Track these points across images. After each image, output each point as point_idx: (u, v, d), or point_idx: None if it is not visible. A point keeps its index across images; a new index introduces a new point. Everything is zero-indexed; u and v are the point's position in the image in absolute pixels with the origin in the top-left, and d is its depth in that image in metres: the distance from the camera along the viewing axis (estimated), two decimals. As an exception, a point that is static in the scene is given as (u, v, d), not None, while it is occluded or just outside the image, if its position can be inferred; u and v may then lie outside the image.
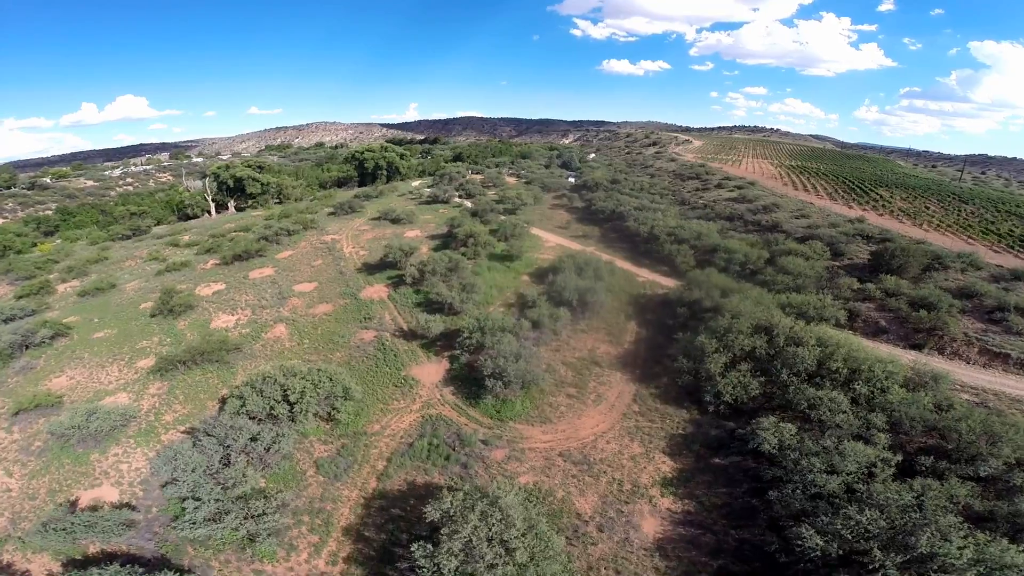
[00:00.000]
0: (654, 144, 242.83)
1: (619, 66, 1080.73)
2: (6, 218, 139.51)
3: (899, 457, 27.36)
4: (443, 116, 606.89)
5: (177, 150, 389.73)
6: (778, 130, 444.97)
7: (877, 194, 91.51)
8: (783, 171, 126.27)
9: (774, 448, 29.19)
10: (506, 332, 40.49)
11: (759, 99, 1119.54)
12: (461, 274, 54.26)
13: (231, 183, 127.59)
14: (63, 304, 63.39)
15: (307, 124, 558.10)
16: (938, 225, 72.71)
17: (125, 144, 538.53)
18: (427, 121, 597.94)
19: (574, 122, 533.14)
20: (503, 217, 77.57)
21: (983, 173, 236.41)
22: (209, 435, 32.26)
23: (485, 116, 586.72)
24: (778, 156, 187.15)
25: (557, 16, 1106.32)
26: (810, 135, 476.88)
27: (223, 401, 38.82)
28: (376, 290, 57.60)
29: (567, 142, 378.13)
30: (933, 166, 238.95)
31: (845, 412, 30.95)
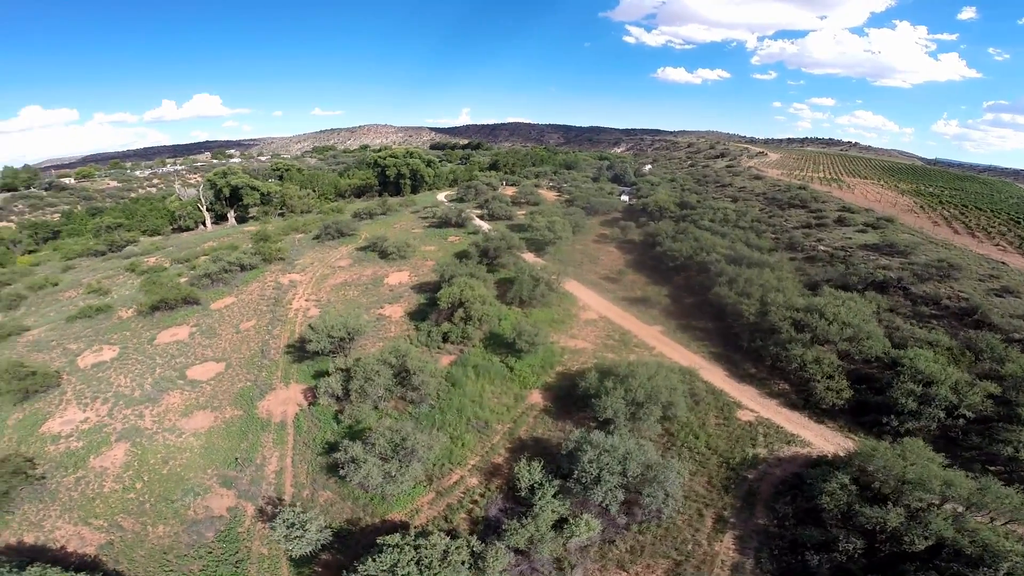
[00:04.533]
0: (722, 156, 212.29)
1: (675, 74, 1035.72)
2: (11, 222, 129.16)
3: None
4: (492, 121, 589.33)
5: (241, 148, 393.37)
6: (856, 144, 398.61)
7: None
8: (912, 199, 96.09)
9: None
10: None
11: (826, 110, 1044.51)
12: (417, 390, 31.51)
13: (227, 192, 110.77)
14: None
15: (359, 126, 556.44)
16: None
17: (199, 140, 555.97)
18: (475, 126, 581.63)
19: (626, 130, 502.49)
20: (523, 262, 53.88)
21: None
22: None
23: (532, 122, 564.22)
24: (876, 174, 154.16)
25: (609, 22, 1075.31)
26: (893, 150, 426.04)
27: None
28: (286, 397, 36.21)
29: (618, 151, 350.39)
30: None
31: None
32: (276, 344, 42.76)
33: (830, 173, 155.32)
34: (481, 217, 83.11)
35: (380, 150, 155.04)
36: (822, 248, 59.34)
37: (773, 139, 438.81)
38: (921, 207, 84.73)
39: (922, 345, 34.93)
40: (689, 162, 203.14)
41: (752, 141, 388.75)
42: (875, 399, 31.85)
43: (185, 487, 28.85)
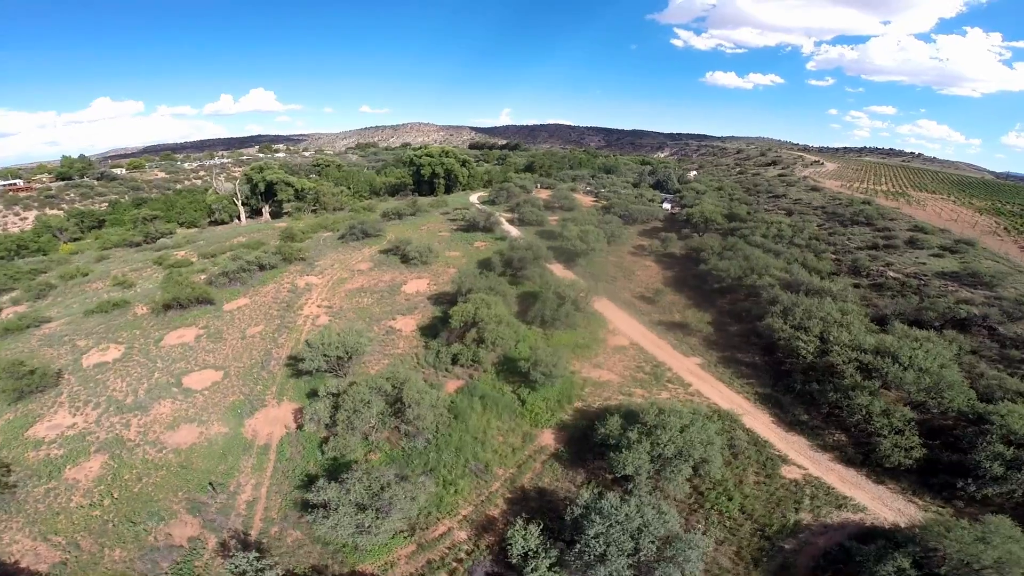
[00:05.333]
0: (774, 164, 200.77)
1: (725, 78, 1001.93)
2: (63, 210, 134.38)
3: None
4: (531, 122, 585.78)
5: (291, 143, 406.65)
6: (920, 155, 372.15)
7: None
8: (991, 218, 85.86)
9: None
10: None
11: (886, 119, 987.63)
12: (412, 423, 27.46)
13: (263, 187, 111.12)
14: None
15: (403, 124, 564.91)
16: None
17: (252, 134, 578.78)
18: (514, 127, 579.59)
19: (670, 135, 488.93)
20: (550, 275, 49.38)
21: None
22: None
23: (573, 124, 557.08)
24: (945, 189, 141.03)
25: (656, 25, 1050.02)
26: (960, 162, 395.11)
27: None
28: (276, 416, 33.08)
29: (662, 156, 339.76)
30: None
31: None
32: (279, 354, 39.97)
33: (894, 186, 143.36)
34: (511, 222, 79.01)
35: (418, 148, 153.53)
36: (891, 274, 52.06)
37: (828, 147, 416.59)
38: (1005, 228, 75.01)
39: (1013, 398, 29.10)
40: (738, 169, 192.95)
41: (806, 149, 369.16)
42: (950, 458, 26.74)
43: (151, 509, 26.27)
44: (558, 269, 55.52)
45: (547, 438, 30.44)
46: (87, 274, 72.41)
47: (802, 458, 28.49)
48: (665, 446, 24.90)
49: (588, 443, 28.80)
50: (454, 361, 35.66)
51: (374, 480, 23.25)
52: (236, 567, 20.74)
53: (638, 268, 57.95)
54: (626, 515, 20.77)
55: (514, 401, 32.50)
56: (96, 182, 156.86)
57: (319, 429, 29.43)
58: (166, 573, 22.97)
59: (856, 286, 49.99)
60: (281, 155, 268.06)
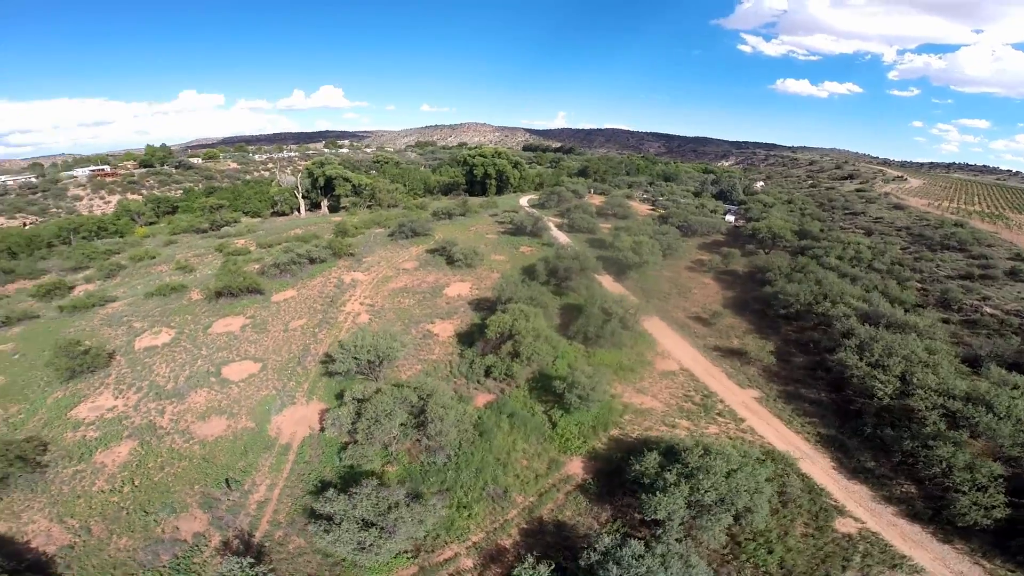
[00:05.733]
0: (850, 178, 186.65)
1: (796, 86, 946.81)
2: (142, 195, 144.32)
3: None
4: (588, 126, 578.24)
5: (355, 139, 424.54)
6: (1017, 172, 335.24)
7: None
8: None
9: None
10: None
11: (979, 133, 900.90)
12: (435, 438, 25.89)
13: (322, 182, 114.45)
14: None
15: (460, 124, 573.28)
16: None
17: (320, 129, 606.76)
18: (570, 130, 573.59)
19: (736, 143, 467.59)
20: (597, 288, 46.60)
21: None
22: None
23: (631, 129, 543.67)
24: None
25: (722, 30, 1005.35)
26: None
27: None
28: (302, 416, 32.44)
29: (726, 165, 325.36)
30: None
31: None
32: (316, 350, 39.65)
33: (989, 206, 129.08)
34: (560, 227, 76.57)
35: (472, 149, 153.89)
36: (988, 310, 45.52)
37: (911, 162, 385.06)
38: None
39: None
40: (810, 182, 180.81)
41: (887, 163, 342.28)
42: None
43: (166, 500, 26.21)
44: (607, 281, 52.65)
45: (575, 467, 28.08)
46: (154, 257, 76.40)
47: (861, 510, 25.37)
48: (706, 492, 22.16)
49: (620, 477, 26.35)
50: (487, 373, 33.90)
51: (382, 499, 21.97)
52: (228, 571, 19.86)
53: (695, 285, 54.01)
54: (647, 569, 18.22)
55: (544, 423, 30.28)
56: (174, 170, 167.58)
57: (340, 434, 28.46)
58: (164, 566, 22.62)
59: (945, 321, 44.11)
60: (345, 151, 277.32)
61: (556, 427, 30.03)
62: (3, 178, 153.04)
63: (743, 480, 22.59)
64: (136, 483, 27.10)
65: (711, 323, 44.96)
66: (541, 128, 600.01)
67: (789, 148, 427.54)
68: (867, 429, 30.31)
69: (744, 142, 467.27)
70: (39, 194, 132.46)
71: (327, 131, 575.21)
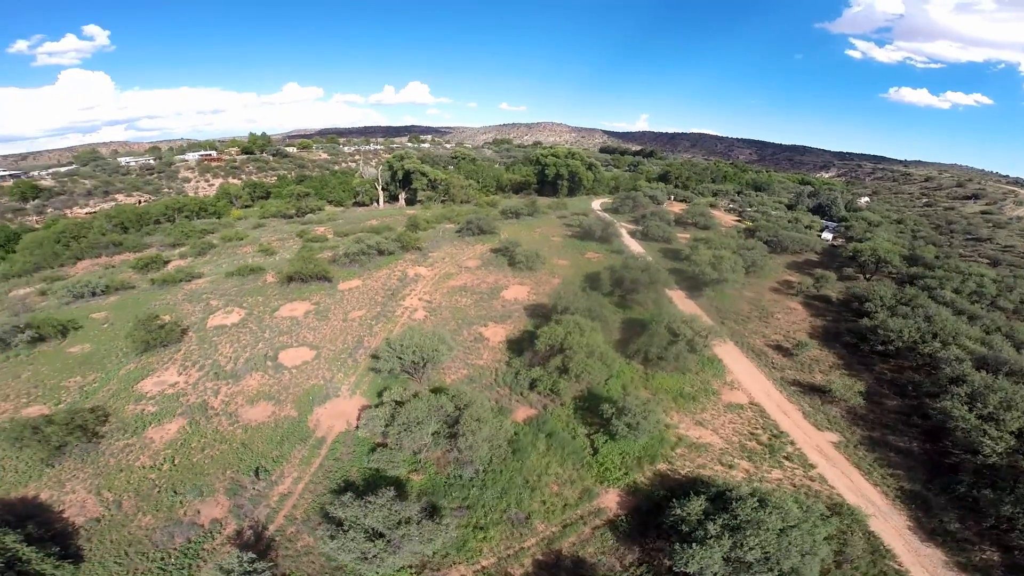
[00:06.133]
0: (975, 198, 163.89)
1: (913, 95, 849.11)
2: (240, 179, 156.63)
3: None
4: (672, 130, 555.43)
5: (438, 134, 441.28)
6: None
7: None
8: None
9: None
10: None
11: None
12: (464, 452, 24.19)
13: (401, 175, 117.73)
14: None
15: (537, 123, 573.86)
16: None
17: (406, 124, 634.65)
18: (652, 133, 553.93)
19: (838, 153, 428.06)
20: (666, 303, 42.97)
21: None
22: None
23: (719, 135, 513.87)
24: None
25: (828, 35, 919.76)
26: None
27: None
28: (342, 410, 32.18)
29: (826, 176, 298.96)
30: None
31: None
32: (369, 343, 39.66)
33: None
34: (632, 234, 72.71)
35: (545, 148, 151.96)
36: None
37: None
38: None
39: None
40: (924, 200, 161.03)
41: (1018, 183, 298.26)
42: None
43: (197, 482, 26.69)
44: (678, 297, 48.64)
45: (610, 499, 25.47)
46: (242, 238, 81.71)
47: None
48: (750, 550, 18.89)
49: (657, 518, 23.62)
50: (531, 386, 31.89)
51: (395, 512, 20.81)
52: (227, 564, 19.55)
53: (779, 309, 48.51)
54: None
55: (585, 447, 27.87)
56: (271, 158, 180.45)
57: (373, 435, 27.80)
58: (175, 549, 22.82)
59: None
60: (426, 146, 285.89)
61: (597, 454, 27.55)
62: (128, 159, 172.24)
63: (799, 539, 19.60)
64: (176, 462, 27.88)
65: (793, 353, 39.91)
66: (621, 131, 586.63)
67: (901, 161, 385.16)
68: (960, 488, 26.60)
69: (848, 153, 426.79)
70: (155, 175, 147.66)
71: (412, 126, 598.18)
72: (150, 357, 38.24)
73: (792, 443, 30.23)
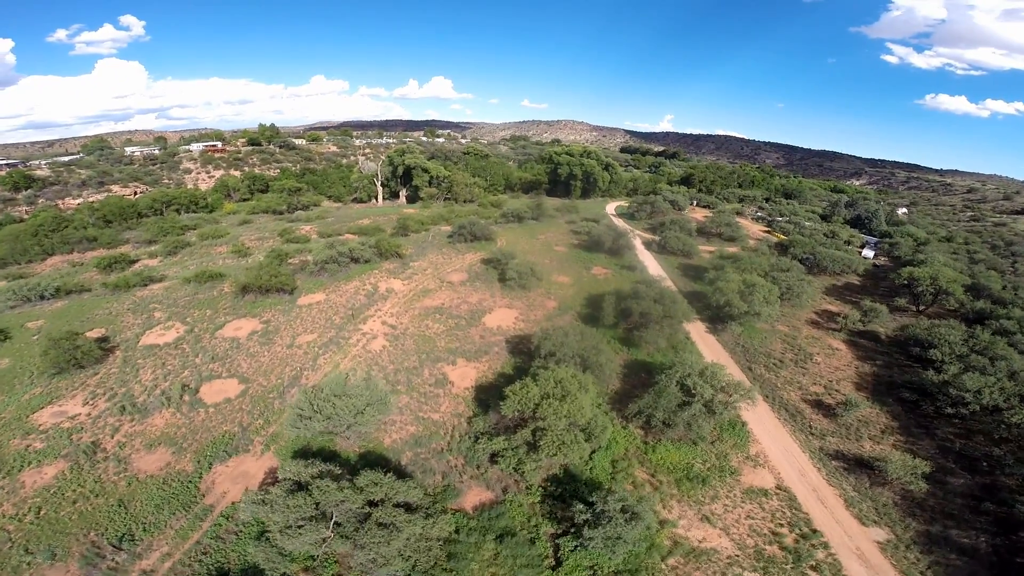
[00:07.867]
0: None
1: (951, 103, 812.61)
2: (242, 171, 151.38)
3: None
4: (696, 131, 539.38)
5: (459, 130, 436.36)
6: None
7: None
8: None
9: None
10: None
11: None
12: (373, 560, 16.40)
13: (402, 171, 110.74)
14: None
15: (557, 121, 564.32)
16: None
17: (429, 118, 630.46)
18: (675, 134, 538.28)
19: (870, 160, 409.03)
20: (683, 342, 34.61)
21: None
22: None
23: (746, 138, 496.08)
24: None
25: (864, 39, 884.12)
26: None
27: None
28: (245, 471, 25.59)
29: (857, 184, 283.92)
30: None
31: None
32: (308, 379, 32.43)
33: None
34: (648, 245, 64.22)
35: (560, 146, 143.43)
36: None
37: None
38: None
39: None
40: (969, 213, 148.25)
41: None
42: None
43: (54, 543, 21.10)
44: (697, 331, 40.12)
45: None
46: (221, 236, 75.50)
47: None
48: None
49: None
50: (492, 460, 24.11)
51: None
52: None
53: (819, 349, 39.62)
54: None
55: (545, 557, 20.34)
56: (277, 149, 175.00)
57: (260, 518, 20.46)
58: None
59: None
60: (440, 140, 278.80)
61: (560, 566, 19.93)
62: (133, 149, 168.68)
63: None
64: (42, 514, 22.54)
65: (836, 413, 31.39)
66: (644, 131, 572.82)
67: (936, 171, 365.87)
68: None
69: (880, 160, 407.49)
70: (157, 165, 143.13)
71: (433, 120, 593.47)
72: (61, 381, 32.22)
73: (825, 545, 22.63)
